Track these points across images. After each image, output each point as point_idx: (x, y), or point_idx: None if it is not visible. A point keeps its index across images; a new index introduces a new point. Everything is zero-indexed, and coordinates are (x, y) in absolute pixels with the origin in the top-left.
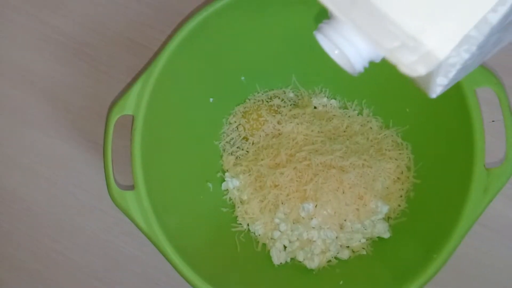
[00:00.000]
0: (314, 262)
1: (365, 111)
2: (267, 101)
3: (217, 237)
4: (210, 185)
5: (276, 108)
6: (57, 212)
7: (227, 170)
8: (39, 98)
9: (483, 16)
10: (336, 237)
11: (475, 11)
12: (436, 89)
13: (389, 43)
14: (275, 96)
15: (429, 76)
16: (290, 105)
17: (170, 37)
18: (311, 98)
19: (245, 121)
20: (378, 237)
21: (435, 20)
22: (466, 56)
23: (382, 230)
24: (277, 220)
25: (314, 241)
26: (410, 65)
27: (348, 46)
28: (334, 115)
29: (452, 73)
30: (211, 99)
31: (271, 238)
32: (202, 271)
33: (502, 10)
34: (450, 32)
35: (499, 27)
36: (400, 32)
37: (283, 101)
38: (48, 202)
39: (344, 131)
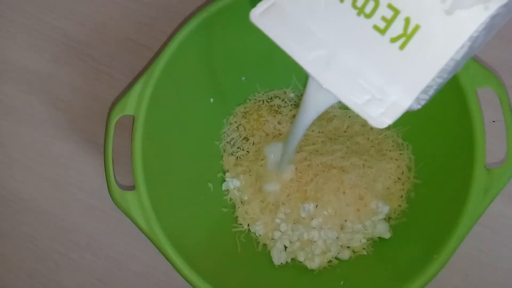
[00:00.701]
0: (314, 263)
1: None
2: (268, 101)
3: (218, 237)
4: (210, 185)
5: (276, 108)
6: (57, 212)
7: (228, 170)
8: (39, 98)
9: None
10: (337, 238)
11: (434, 64)
12: (420, 102)
13: (359, 98)
14: (276, 96)
15: None
16: (291, 105)
17: (170, 37)
18: None
19: (246, 121)
20: (379, 237)
21: (399, 72)
22: (440, 80)
23: (383, 231)
24: (277, 221)
25: (315, 241)
26: (378, 117)
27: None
28: (334, 116)
29: (431, 92)
30: (211, 99)
31: (272, 239)
32: (202, 271)
33: (463, 51)
34: (411, 83)
35: (468, 55)
36: (369, 86)
37: (284, 101)
38: (48, 202)
39: (345, 132)
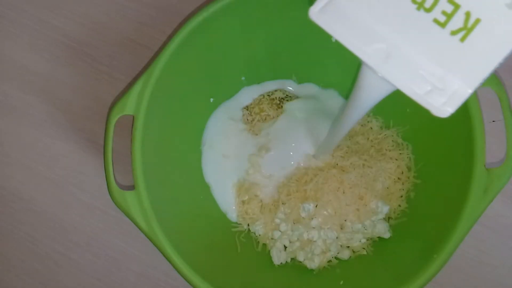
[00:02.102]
0: (314, 262)
1: None
2: (269, 95)
3: (218, 237)
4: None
5: (278, 102)
6: (57, 212)
7: None
8: (39, 98)
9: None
10: (337, 237)
11: (495, 55)
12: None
13: (421, 88)
14: (276, 90)
15: None
16: (293, 99)
17: (170, 37)
18: None
19: (248, 113)
20: (379, 237)
21: (460, 63)
22: (498, 66)
23: (383, 230)
24: (277, 220)
25: (315, 241)
26: (441, 106)
27: None
28: None
29: (487, 76)
30: (211, 99)
31: (272, 238)
32: (202, 271)
33: None
34: (473, 73)
35: None
36: (430, 76)
37: (285, 95)
38: (48, 202)
39: None
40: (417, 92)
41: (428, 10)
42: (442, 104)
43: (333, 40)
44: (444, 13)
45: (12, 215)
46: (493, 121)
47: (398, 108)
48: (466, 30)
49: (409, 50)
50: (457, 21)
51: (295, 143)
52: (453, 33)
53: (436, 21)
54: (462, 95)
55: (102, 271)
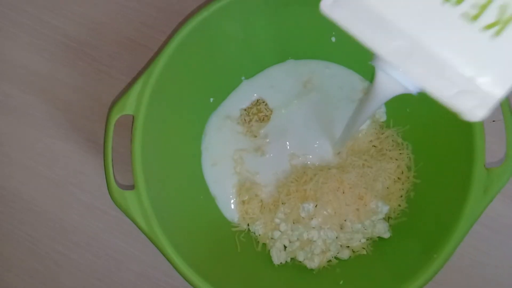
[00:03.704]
0: (314, 262)
1: None
2: None
3: (217, 237)
4: None
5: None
6: (57, 212)
7: None
8: (39, 98)
9: None
10: (336, 237)
11: None
12: None
13: (449, 89)
14: None
15: None
16: None
17: (170, 37)
18: None
19: (246, 113)
20: (378, 237)
21: (491, 61)
22: None
23: (382, 230)
24: (277, 220)
25: (314, 241)
26: (470, 109)
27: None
28: None
29: None
30: (211, 99)
31: (271, 238)
32: (202, 271)
33: None
34: (506, 72)
35: None
36: (458, 77)
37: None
38: (48, 202)
39: None
40: (444, 93)
41: (456, 3)
42: (473, 107)
43: (333, 40)
44: (474, 6)
45: (12, 215)
46: (493, 121)
47: (398, 107)
48: (500, 24)
49: (434, 48)
50: (490, 15)
51: (295, 139)
52: (485, 28)
53: (464, 15)
54: (493, 97)
55: (102, 271)
